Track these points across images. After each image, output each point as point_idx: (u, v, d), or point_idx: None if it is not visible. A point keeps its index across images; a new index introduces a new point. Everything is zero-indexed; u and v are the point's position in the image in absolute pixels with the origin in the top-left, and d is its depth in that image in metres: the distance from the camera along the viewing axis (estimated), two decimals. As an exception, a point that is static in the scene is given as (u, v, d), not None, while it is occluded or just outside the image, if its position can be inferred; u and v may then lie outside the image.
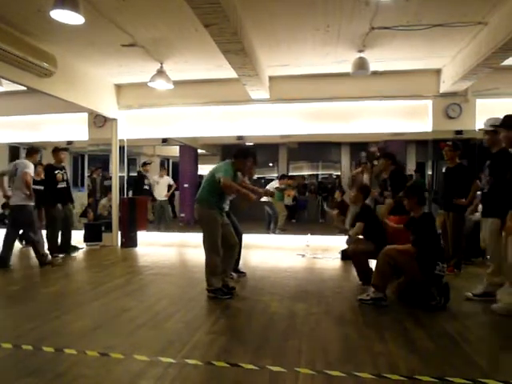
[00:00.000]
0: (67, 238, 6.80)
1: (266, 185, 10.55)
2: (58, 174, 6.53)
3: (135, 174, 10.17)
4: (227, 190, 4.13)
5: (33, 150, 6.15)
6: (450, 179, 5.44)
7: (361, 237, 4.76)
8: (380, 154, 5.59)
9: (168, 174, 12.45)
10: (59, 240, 6.57)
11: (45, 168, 6.82)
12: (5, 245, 5.74)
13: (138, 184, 9.20)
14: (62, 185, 6.57)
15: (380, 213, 5.43)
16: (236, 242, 4.45)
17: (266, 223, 9.61)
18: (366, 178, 6.05)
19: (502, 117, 3.79)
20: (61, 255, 6.31)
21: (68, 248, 6.79)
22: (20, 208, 5.66)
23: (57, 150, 6.70)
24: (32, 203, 5.75)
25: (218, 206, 4.20)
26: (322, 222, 11.92)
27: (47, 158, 7.71)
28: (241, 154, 4.31)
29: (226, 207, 4.45)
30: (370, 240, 4.55)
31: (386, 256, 3.94)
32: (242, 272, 5.23)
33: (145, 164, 9.62)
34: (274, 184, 9.90)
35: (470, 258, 5.95)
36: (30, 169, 5.72)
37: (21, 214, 5.68)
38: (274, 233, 9.24)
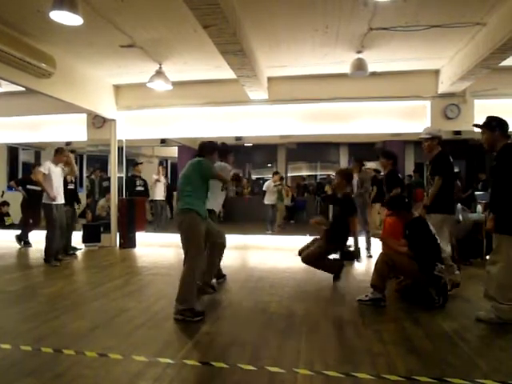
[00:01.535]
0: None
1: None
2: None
3: (128, 176, 9.88)
4: (226, 180, 4.17)
5: (58, 150, 6.29)
6: None
7: (315, 237, 5.02)
8: (381, 153, 5.75)
9: (167, 175, 12.36)
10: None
11: None
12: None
13: (129, 186, 8.82)
14: (70, 186, 6.80)
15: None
16: (225, 242, 4.39)
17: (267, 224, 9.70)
18: (355, 176, 6.25)
19: (485, 119, 3.67)
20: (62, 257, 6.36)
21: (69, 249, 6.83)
22: (43, 206, 6.13)
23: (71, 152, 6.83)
24: (53, 202, 6.01)
25: (201, 212, 3.74)
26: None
27: (46, 159, 7.70)
28: (206, 150, 4.03)
29: (215, 208, 4.50)
30: (337, 233, 4.74)
31: (385, 256, 3.96)
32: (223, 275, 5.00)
33: (136, 164, 9.33)
34: (270, 184, 9.90)
35: (468, 258, 5.96)
36: (43, 167, 6.06)
37: (44, 211, 6.18)
38: (270, 232, 9.33)
